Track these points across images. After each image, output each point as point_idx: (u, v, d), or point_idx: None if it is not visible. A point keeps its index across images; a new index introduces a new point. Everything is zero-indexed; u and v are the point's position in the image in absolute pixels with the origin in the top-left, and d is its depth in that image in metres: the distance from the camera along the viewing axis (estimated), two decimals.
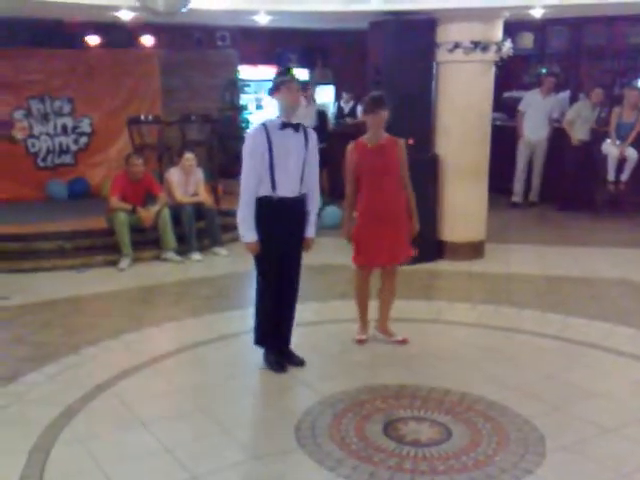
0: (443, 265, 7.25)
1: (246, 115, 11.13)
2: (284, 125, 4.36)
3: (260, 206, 4.39)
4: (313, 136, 4.54)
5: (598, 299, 6.16)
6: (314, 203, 4.59)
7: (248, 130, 4.40)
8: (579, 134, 9.55)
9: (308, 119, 10.63)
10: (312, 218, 4.60)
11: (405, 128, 6.71)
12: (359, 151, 4.83)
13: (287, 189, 4.39)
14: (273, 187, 4.35)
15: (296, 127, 4.42)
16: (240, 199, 4.40)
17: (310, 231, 4.61)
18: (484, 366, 4.72)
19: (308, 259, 7.79)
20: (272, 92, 4.43)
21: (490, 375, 4.56)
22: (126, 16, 7.28)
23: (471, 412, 4.02)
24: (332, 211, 8.51)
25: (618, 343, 5.06)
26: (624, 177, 9.27)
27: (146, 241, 7.61)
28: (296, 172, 4.40)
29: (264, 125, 4.38)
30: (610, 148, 9.30)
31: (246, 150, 4.35)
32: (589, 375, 4.60)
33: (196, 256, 7.54)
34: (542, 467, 3.46)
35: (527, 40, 11.84)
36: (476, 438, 3.73)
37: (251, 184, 4.34)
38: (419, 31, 7.06)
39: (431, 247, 7.22)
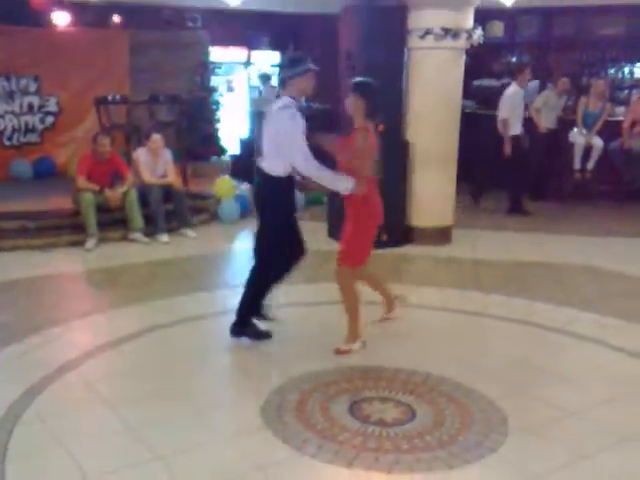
0: (411, 250, 7.29)
1: (216, 97, 11.03)
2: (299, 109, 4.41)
3: (287, 184, 4.50)
4: None
5: (563, 285, 6.25)
6: None
7: (286, 110, 4.30)
8: (546, 122, 9.65)
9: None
10: None
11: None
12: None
13: None
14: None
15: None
16: (315, 171, 4.38)
17: None
18: (450, 348, 4.76)
19: None
20: (296, 75, 4.39)
21: (456, 357, 4.60)
22: None
23: (435, 393, 4.06)
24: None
25: (582, 328, 5.14)
26: (590, 166, 9.42)
27: (113, 221, 7.54)
28: None
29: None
30: (577, 137, 9.43)
31: (297, 128, 4.31)
32: (553, 359, 4.67)
33: (163, 238, 7.48)
34: (505, 446, 3.51)
35: (497, 29, 11.90)
36: (440, 418, 3.77)
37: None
38: (391, 17, 7.06)
39: (400, 232, 7.26)
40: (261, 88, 11.31)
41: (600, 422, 3.78)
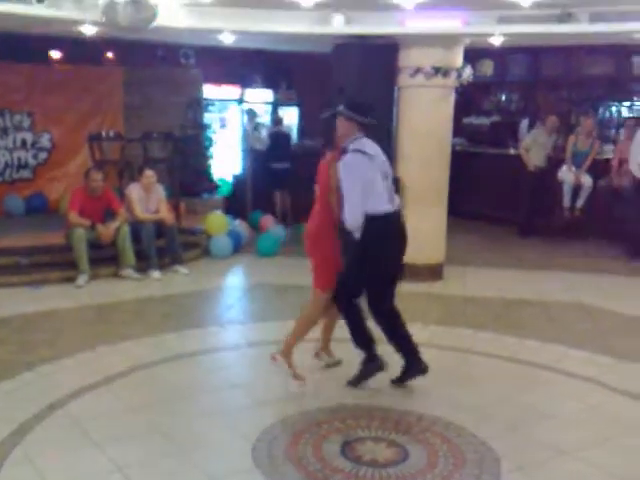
0: (402, 286, 7.26)
1: (209, 134, 11.12)
2: None
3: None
4: None
5: (553, 322, 6.27)
6: None
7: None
8: (535, 160, 9.77)
9: (258, 143, 10.74)
10: None
11: None
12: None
13: None
14: None
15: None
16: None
17: None
18: (442, 387, 4.74)
19: (267, 279, 7.79)
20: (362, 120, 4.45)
21: (447, 396, 4.59)
22: (89, 31, 7.24)
23: (428, 433, 4.04)
24: (267, 237, 8.60)
25: (572, 366, 5.15)
26: (579, 203, 9.51)
27: (104, 258, 7.52)
28: None
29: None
30: (566, 175, 9.53)
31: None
32: (543, 397, 4.66)
33: (155, 274, 7.46)
34: None
35: (487, 67, 12.12)
36: (433, 459, 3.74)
37: None
38: (382, 55, 7.18)
39: None
40: (246, 124, 11.42)
41: (592, 463, 3.76)
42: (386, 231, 4.48)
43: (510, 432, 4.10)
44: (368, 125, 4.49)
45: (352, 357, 4.78)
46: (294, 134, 12.57)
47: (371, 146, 4.51)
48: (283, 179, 10.16)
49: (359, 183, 4.33)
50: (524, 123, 11.30)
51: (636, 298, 7.05)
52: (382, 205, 4.44)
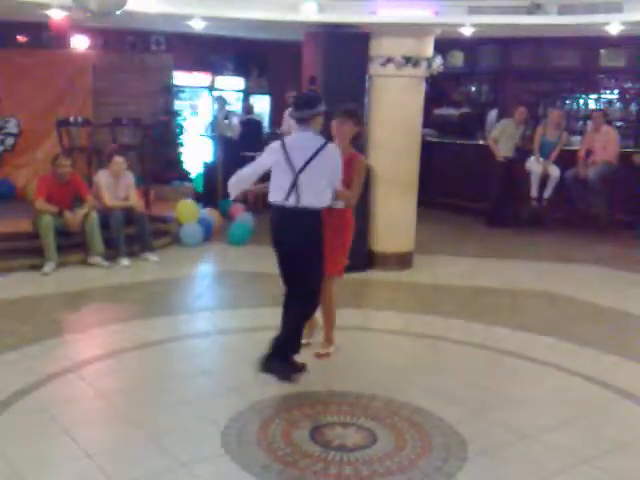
0: (373, 275, 7.36)
1: (180, 121, 11.03)
2: None
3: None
4: None
5: (520, 310, 6.38)
6: None
7: (331, 145, 4.48)
8: (504, 151, 9.87)
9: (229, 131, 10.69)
10: None
11: None
12: None
13: None
14: None
15: None
16: None
17: None
18: (410, 373, 4.81)
19: (237, 267, 7.79)
20: (316, 114, 4.48)
21: (415, 381, 4.65)
22: (57, 15, 7.13)
23: (396, 417, 4.09)
24: (238, 226, 8.60)
25: (537, 352, 5.24)
26: (546, 194, 9.64)
27: (72, 245, 7.43)
28: None
29: None
30: (533, 165, 9.66)
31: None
32: (510, 382, 4.75)
33: (124, 262, 7.41)
34: (463, 471, 3.55)
35: (457, 59, 12.19)
36: (401, 443, 3.79)
37: None
38: (353, 44, 7.18)
39: (361, 257, 7.31)
40: (216, 112, 11.36)
41: (554, 445, 3.85)
42: (271, 222, 4.53)
43: (476, 416, 4.17)
44: (302, 118, 4.48)
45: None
46: (266, 122, 12.53)
47: (298, 140, 4.51)
48: None
49: (260, 163, 4.57)
50: (492, 114, 11.41)
51: (601, 286, 7.19)
52: (273, 197, 4.47)
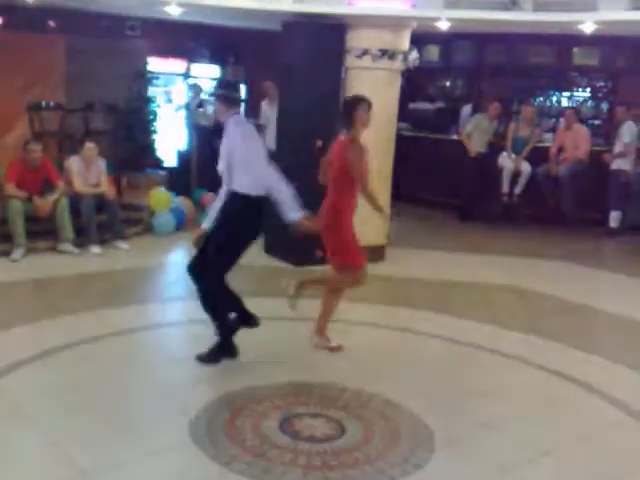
0: None
1: (154, 108, 10.91)
2: None
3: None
4: None
5: (490, 304, 6.45)
6: None
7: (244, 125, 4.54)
8: (477, 146, 9.94)
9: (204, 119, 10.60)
10: None
11: (314, 130, 6.84)
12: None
13: None
14: None
15: None
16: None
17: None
18: (380, 365, 4.84)
19: None
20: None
21: (385, 373, 4.69)
22: None
23: (365, 409, 4.12)
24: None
25: (505, 346, 5.31)
26: (517, 190, 9.73)
27: (42, 231, 7.33)
28: None
29: None
30: (505, 161, 9.74)
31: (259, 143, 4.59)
32: (477, 375, 4.82)
33: (95, 249, 7.34)
34: (431, 462, 3.59)
35: (433, 53, 12.23)
36: (369, 434, 3.82)
37: None
38: (330, 35, 7.17)
39: None
40: (190, 100, 11.27)
41: (520, 437, 3.92)
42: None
43: (444, 408, 4.22)
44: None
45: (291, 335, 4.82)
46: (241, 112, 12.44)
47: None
48: None
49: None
50: (466, 109, 11.48)
51: (570, 282, 7.29)
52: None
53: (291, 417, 3.96)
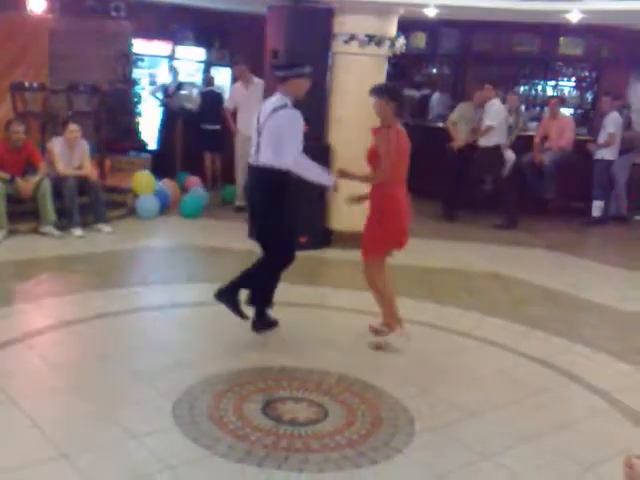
0: (330, 253, 7.39)
1: (138, 90, 10.81)
2: None
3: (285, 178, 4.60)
4: None
5: (471, 291, 6.49)
6: None
7: (289, 112, 4.53)
8: (462, 135, 9.92)
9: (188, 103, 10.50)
10: None
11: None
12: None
13: None
14: None
15: None
16: (304, 165, 4.59)
17: None
18: (363, 350, 4.87)
19: (192, 240, 7.73)
20: (292, 76, 4.58)
21: (368, 358, 4.72)
22: None
23: (348, 393, 4.15)
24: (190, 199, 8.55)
25: (486, 332, 5.36)
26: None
27: (24, 213, 7.27)
28: None
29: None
30: None
31: (299, 129, 4.54)
32: (459, 361, 4.86)
33: (77, 232, 7.29)
34: (411, 446, 3.63)
35: (420, 40, 12.22)
36: (351, 418, 3.85)
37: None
38: (317, 20, 7.15)
39: (319, 235, 7.34)
40: (169, 81, 11.16)
41: (500, 423, 3.96)
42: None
43: (425, 394, 4.25)
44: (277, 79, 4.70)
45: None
46: (226, 95, 12.36)
47: (265, 102, 4.82)
48: (213, 140, 10.01)
49: None
50: (435, 97, 11.47)
51: (552, 270, 7.37)
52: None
53: (273, 401, 3.98)
